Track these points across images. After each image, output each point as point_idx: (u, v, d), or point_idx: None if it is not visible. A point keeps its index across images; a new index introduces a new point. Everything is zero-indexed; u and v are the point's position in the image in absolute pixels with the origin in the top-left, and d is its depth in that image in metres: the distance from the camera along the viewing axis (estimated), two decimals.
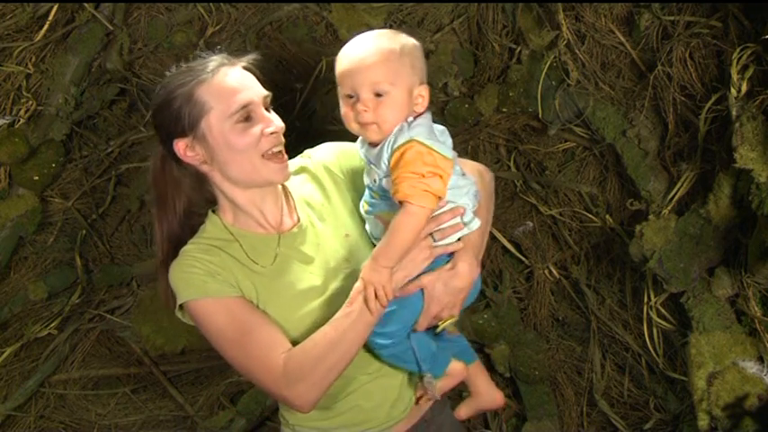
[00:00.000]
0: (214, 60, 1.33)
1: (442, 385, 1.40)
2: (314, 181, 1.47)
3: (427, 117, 1.30)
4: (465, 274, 1.30)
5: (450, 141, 1.32)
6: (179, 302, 1.30)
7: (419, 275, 1.29)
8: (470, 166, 1.46)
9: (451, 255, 1.32)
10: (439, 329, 1.35)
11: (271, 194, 1.39)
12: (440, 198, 1.23)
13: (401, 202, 1.22)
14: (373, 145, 1.29)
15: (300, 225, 1.41)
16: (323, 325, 1.27)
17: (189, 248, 1.34)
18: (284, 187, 1.44)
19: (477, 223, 1.33)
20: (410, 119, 1.27)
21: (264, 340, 1.28)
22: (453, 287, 1.29)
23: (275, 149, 1.32)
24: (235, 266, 1.32)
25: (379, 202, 1.33)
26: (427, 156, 1.21)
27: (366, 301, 1.22)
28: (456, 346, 1.45)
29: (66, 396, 2.87)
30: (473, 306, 2.68)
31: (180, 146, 1.31)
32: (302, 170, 1.48)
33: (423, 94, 1.29)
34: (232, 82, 1.30)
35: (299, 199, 1.44)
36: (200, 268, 1.29)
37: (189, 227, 1.40)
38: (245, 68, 1.34)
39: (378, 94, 1.25)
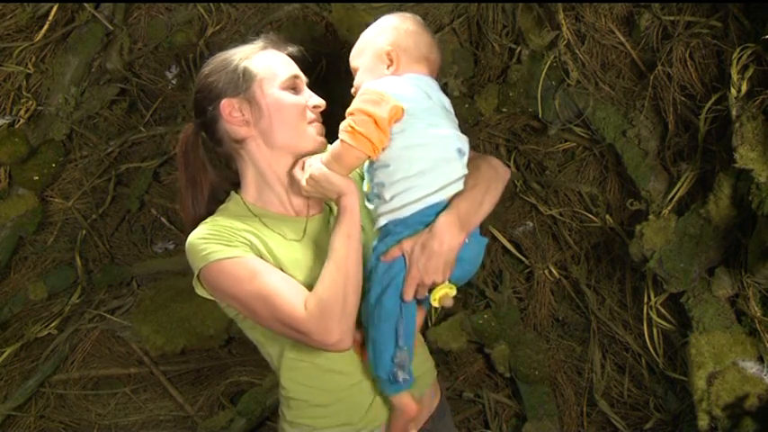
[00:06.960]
0: (265, 39, 1.46)
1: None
2: None
3: (406, 75, 1.35)
4: (443, 236, 1.25)
5: (451, 118, 1.36)
6: (197, 268, 1.29)
7: (400, 240, 1.28)
8: (485, 159, 1.47)
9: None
10: (433, 300, 1.29)
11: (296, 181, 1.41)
12: (370, 141, 1.24)
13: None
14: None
15: (325, 212, 1.46)
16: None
17: (206, 221, 1.36)
18: None
19: (458, 187, 1.31)
20: None
21: (289, 289, 1.26)
22: (431, 250, 1.25)
23: (317, 121, 1.42)
24: (255, 235, 1.33)
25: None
26: (369, 97, 1.26)
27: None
28: None
29: (66, 396, 2.87)
30: (473, 306, 2.68)
31: (225, 105, 1.37)
32: None
33: (392, 55, 1.36)
34: (283, 57, 1.44)
35: None
36: (217, 233, 1.30)
37: (211, 213, 1.43)
38: (288, 55, 1.46)
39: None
